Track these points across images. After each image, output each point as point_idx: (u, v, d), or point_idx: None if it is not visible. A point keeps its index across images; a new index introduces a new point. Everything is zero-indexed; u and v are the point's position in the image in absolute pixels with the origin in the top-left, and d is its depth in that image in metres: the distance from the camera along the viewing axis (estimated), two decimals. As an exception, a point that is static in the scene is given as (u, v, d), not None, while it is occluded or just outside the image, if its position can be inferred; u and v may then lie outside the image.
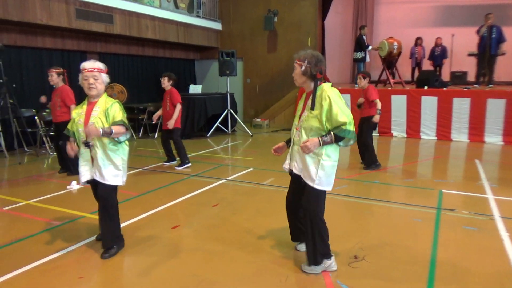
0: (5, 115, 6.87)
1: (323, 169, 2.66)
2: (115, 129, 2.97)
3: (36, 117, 7.61)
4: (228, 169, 6.42)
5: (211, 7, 12.66)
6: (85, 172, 3.13)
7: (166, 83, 6.22)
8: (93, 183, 3.17)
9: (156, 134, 9.68)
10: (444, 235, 3.54)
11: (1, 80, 6.61)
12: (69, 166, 5.83)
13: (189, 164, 6.32)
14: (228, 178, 5.66)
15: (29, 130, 7.40)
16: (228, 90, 10.20)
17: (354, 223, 3.95)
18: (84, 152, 3.11)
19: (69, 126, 3.24)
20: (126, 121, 3.10)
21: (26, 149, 7.71)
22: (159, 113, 6.45)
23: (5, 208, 4.41)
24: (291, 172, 2.92)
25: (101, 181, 3.07)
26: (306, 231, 2.79)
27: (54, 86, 5.80)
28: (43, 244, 3.43)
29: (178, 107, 6.13)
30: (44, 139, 7.61)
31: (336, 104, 2.57)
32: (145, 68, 11.39)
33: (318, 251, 2.78)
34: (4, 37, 7.50)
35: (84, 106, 3.13)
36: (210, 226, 3.84)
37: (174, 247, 3.36)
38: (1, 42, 7.10)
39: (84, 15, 8.37)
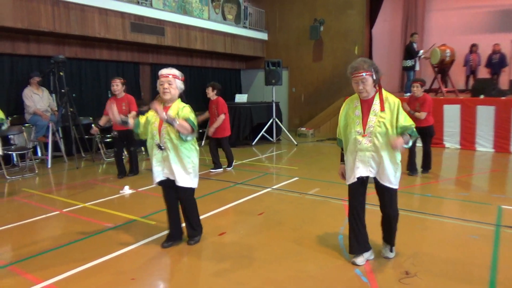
0: (65, 123, 7.36)
1: (398, 170, 2.90)
2: (180, 121, 3.13)
3: (93, 125, 8.06)
4: (273, 178, 6.43)
5: (257, 18, 12.86)
6: (159, 173, 3.33)
7: (211, 93, 6.40)
8: (166, 184, 3.36)
9: (203, 141, 9.91)
10: (504, 254, 3.31)
11: (63, 90, 7.10)
12: (134, 169, 6.30)
13: (230, 168, 6.58)
14: (273, 187, 5.66)
15: (86, 137, 7.85)
16: (274, 99, 10.25)
17: (405, 237, 3.79)
18: (157, 154, 3.28)
19: (141, 120, 3.41)
20: (195, 122, 3.25)
21: (83, 155, 8.18)
22: (203, 117, 6.66)
23: (64, 210, 4.70)
24: (359, 180, 2.93)
25: (177, 183, 3.28)
26: (388, 230, 3.07)
27: (111, 95, 6.15)
28: (98, 245, 3.61)
29: (222, 117, 6.30)
30: (99, 145, 8.04)
31: (401, 108, 2.80)
32: (193, 78, 11.73)
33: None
34: (66, 50, 8.06)
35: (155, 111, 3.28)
36: (256, 234, 3.85)
37: (219, 254, 3.40)
38: (63, 54, 7.64)
39: (138, 28, 8.80)
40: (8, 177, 6.29)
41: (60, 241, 3.73)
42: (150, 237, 3.77)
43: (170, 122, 3.11)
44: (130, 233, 3.92)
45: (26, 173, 6.65)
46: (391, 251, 3.18)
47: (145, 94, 10.00)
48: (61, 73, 7.26)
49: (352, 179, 2.96)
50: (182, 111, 3.24)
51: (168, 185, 3.36)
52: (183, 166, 3.26)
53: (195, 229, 3.56)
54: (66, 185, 6.08)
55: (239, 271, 3.07)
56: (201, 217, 4.16)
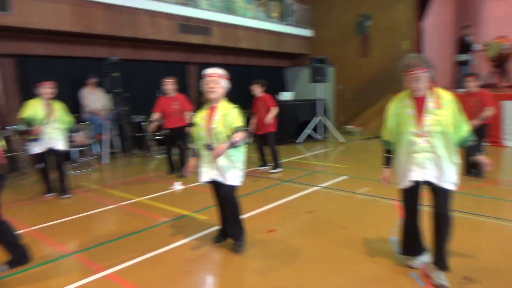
0: (119, 121, 7.74)
1: (457, 170, 2.75)
2: (238, 136, 3.11)
3: (143, 123, 8.42)
4: (320, 176, 6.37)
5: (302, 15, 12.76)
6: (206, 173, 3.35)
7: (258, 89, 6.40)
8: (213, 183, 3.39)
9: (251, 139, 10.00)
10: None
11: (117, 90, 7.46)
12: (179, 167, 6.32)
13: (281, 169, 6.44)
14: (321, 185, 5.61)
15: (139, 134, 8.20)
16: (320, 96, 10.14)
17: (463, 240, 3.62)
18: (206, 154, 3.30)
19: (193, 133, 3.44)
20: (244, 125, 3.27)
21: (135, 152, 8.54)
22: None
23: (120, 204, 4.95)
24: (413, 183, 2.78)
25: (223, 182, 3.27)
26: (440, 235, 2.73)
27: (160, 94, 6.35)
28: (153, 238, 3.77)
29: (275, 110, 6.28)
30: (151, 143, 8.35)
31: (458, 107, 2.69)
32: (239, 77, 11.86)
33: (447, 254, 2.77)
34: (119, 52, 8.44)
35: (205, 111, 3.32)
36: (305, 233, 3.85)
37: (268, 251, 3.43)
38: (116, 56, 8.01)
39: (186, 29, 9.04)
40: (69, 172, 6.70)
41: (118, 233, 3.94)
42: (201, 231, 3.88)
43: (232, 147, 3.12)
44: (183, 227, 4.05)
45: (84, 168, 7.06)
46: (441, 268, 2.76)
47: (192, 94, 10.26)
48: (115, 74, 7.64)
49: (405, 183, 2.80)
50: (230, 114, 3.20)
51: (216, 184, 3.37)
52: (232, 164, 3.25)
53: (238, 230, 3.42)
54: (121, 180, 6.39)
55: (286, 270, 3.07)
56: (248, 214, 4.23)
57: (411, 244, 2.98)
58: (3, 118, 7.10)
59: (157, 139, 8.40)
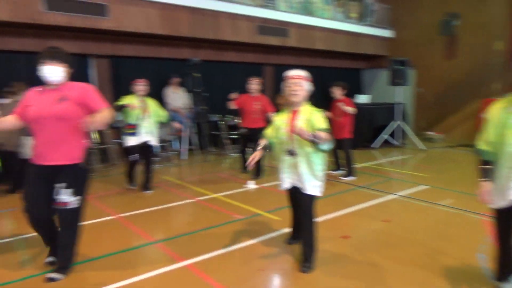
0: (198, 119, 8.13)
1: None
2: (322, 135, 2.90)
3: (220, 122, 8.74)
4: (397, 184, 6.09)
5: (382, 14, 12.28)
6: (286, 179, 3.21)
7: (339, 92, 6.25)
8: (292, 190, 3.24)
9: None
10: None
11: (198, 90, 7.84)
12: (257, 170, 6.25)
13: (354, 178, 6.23)
14: (399, 194, 5.36)
15: (215, 133, 8.53)
16: (398, 100, 9.69)
17: None
18: (287, 160, 3.14)
19: (268, 132, 3.37)
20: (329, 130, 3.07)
21: (210, 149, 8.90)
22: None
23: (198, 198, 5.19)
24: None
25: (303, 190, 3.11)
26: None
27: (240, 93, 6.47)
28: (228, 234, 3.89)
29: (355, 110, 6.12)
30: (226, 141, 8.64)
31: None
32: (314, 78, 11.76)
33: None
34: (201, 53, 8.85)
35: (287, 114, 3.19)
36: (381, 242, 3.71)
37: (340, 258, 3.36)
38: (198, 57, 8.41)
39: (264, 31, 9.20)
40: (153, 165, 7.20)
41: (196, 226, 4.14)
42: (274, 231, 3.93)
43: (315, 141, 2.87)
44: (257, 226, 4.14)
45: (165, 163, 7.53)
46: None
47: (268, 95, 10.39)
48: (196, 74, 8.03)
49: (503, 202, 2.46)
50: (314, 118, 3.04)
51: (294, 191, 3.21)
52: (313, 173, 3.08)
53: (310, 249, 3.15)
54: (198, 176, 6.70)
55: (358, 283, 2.98)
56: (322, 218, 4.17)
57: (506, 267, 2.68)
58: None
59: (232, 137, 8.67)
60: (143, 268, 3.17)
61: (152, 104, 5.43)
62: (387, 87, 10.47)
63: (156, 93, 8.30)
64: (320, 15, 10.48)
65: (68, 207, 2.79)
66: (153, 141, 5.41)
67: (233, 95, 6.27)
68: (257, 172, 6.23)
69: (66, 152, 2.78)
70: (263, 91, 6.21)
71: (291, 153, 3.09)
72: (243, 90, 6.47)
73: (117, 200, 5.18)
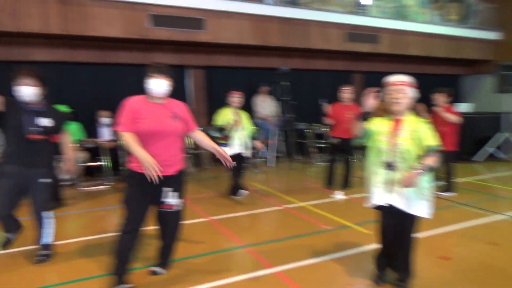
0: (287, 128, 8.22)
1: None
2: (431, 160, 2.64)
3: (307, 130, 8.72)
4: (506, 203, 5.45)
5: (487, 15, 11.18)
6: (379, 195, 2.83)
7: (442, 99, 5.77)
8: (388, 210, 2.83)
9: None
10: None
11: (286, 98, 7.94)
12: (346, 182, 6.05)
13: (455, 194, 5.70)
14: (508, 214, 4.79)
15: (302, 141, 8.54)
16: (507, 109, 8.70)
17: None
18: (383, 174, 2.79)
19: (366, 126, 2.85)
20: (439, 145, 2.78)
21: (297, 157, 8.91)
22: None
23: (285, 206, 5.23)
24: None
25: (406, 210, 2.75)
26: None
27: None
28: (316, 244, 3.85)
29: (457, 121, 5.64)
30: (312, 150, 8.58)
31: None
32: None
33: None
34: (290, 62, 8.95)
35: (388, 122, 2.84)
36: (487, 267, 3.34)
37: (442, 279, 3.10)
38: (288, 66, 8.52)
39: (354, 37, 8.99)
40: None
41: (284, 233, 4.17)
42: (363, 246, 3.78)
43: (426, 171, 2.64)
44: (345, 238, 4.03)
45: (253, 169, 7.73)
46: None
47: (357, 102, 10.10)
48: (285, 83, 8.14)
49: None
50: (421, 130, 2.71)
51: (390, 211, 2.81)
52: (418, 193, 2.72)
53: (407, 272, 2.92)
54: (285, 184, 6.76)
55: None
56: (420, 235, 3.89)
57: None
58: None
59: (318, 146, 8.58)
60: (234, 271, 3.28)
61: (244, 117, 5.52)
62: (492, 94, 9.47)
63: (245, 102, 8.60)
64: (415, 19, 9.91)
65: (174, 209, 3.00)
66: (246, 153, 5.48)
67: (327, 107, 6.07)
68: (346, 182, 6.05)
69: (176, 163, 2.98)
70: (354, 99, 6.01)
71: (391, 166, 2.75)
72: (331, 98, 6.37)
73: (209, 203, 5.44)
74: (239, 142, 5.36)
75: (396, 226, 2.85)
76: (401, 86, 2.75)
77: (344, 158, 6.05)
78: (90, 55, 7.21)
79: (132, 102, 2.87)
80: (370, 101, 2.79)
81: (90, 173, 6.85)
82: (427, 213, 2.79)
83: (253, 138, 5.63)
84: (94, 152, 6.65)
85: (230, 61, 8.50)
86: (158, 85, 2.84)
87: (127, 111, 2.83)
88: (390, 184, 2.78)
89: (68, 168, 3.61)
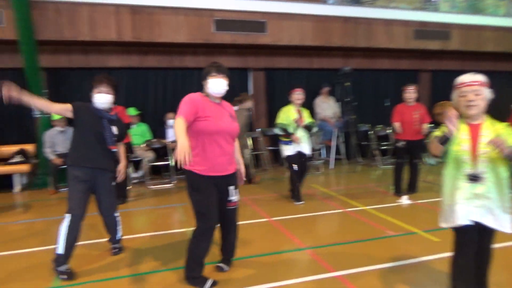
0: (348, 129, 8.03)
1: None
2: None
3: (369, 132, 8.45)
4: None
5: None
6: (464, 213, 2.44)
7: None
8: (473, 229, 2.46)
9: None
10: None
11: (348, 99, 7.77)
12: (413, 186, 5.82)
13: None
14: None
15: (364, 143, 8.30)
16: None
17: None
18: (467, 187, 2.43)
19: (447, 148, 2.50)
20: None
21: (358, 160, 8.68)
22: None
23: (346, 209, 5.11)
24: None
25: (496, 227, 2.44)
26: None
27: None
28: (381, 249, 3.71)
29: None
30: (375, 152, 8.30)
31: None
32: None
33: None
34: (352, 62, 8.74)
35: (465, 128, 2.48)
36: None
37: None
38: (349, 66, 8.33)
39: (421, 35, 8.55)
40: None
41: (346, 237, 4.08)
42: (433, 254, 3.57)
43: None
44: (412, 245, 3.84)
45: (313, 171, 7.66)
46: None
47: (424, 104, 9.60)
48: (346, 83, 7.97)
49: None
50: (503, 134, 2.36)
51: (473, 228, 2.45)
52: (504, 204, 2.41)
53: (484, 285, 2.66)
54: (346, 186, 6.61)
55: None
56: (497, 245, 3.61)
57: None
58: (253, 122, 8.48)
59: (381, 149, 8.28)
60: (295, 273, 3.27)
61: (306, 115, 5.52)
62: None
63: (307, 103, 8.55)
64: (492, 12, 9.18)
65: (236, 206, 3.11)
66: (307, 150, 5.45)
67: (395, 121, 5.73)
68: (412, 186, 5.78)
69: (234, 162, 3.07)
70: (418, 99, 5.74)
71: (475, 178, 2.41)
72: (395, 98, 6.12)
73: (269, 204, 5.48)
74: (300, 141, 5.34)
75: (477, 243, 2.54)
76: (477, 86, 2.39)
77: (410, 162, 5.78)
78: (159, 60, 7.63)
79: (196, 98, 2.87)
80: (454, 124, 2.34)
81: (158, 172, 7.24)
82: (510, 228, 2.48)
83: (310, 132, 5.57)
84: (162, 152, 7.02)
85: (290, 62, 8.51)
86: (218, 84, 2.88)
87: (192, 104, 2.78)
88: (475, 199, 2.43)
89: (121, 172, 3.75)
